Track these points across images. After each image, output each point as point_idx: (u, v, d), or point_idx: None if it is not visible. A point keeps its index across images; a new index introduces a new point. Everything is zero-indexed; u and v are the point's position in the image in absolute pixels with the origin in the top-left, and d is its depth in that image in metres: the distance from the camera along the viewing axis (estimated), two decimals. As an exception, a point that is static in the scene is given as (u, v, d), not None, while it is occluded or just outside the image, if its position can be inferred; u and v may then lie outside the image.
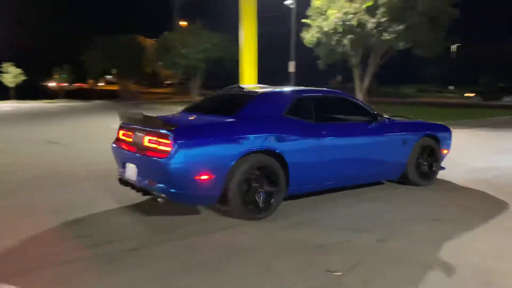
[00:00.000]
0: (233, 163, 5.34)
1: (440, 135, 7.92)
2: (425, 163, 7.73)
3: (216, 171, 5.23)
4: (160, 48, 42.44)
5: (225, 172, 5.30)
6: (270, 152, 5.66)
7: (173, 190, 5.12)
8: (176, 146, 5.03)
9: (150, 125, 5.46)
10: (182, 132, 5.17)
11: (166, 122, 5.25)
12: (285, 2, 30.46)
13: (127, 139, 5.97)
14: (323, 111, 6.52)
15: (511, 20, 73.44)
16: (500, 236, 5.28)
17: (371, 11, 25.00)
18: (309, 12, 27.78)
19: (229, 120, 5.66)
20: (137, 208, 6.21)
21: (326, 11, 26.51)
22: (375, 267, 4.25)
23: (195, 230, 5.27)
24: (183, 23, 51.79)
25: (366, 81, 28.83)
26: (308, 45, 27.60)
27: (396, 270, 4.19)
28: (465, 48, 65.83)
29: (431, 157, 7.81)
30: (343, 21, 25.27)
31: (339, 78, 47.83)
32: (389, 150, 7.20)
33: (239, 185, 5.44)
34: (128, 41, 56.37)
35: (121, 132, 6.20)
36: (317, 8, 27.14)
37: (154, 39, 49.21)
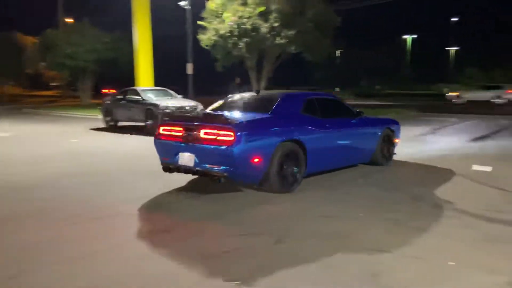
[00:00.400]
0: (273, 149, 7.04)
1: (395, 127, 10.27)
2: (385, 149, 9.95)
3: (263, 156, 6.91)
4: (42, 47, 39.69)
5: (269, 156, 6.99)
6: (295, 141, 7.43)
7: (233, 170, 6.64)
8: (238, 136, 6.59)
9: (210, 121, 7.14)
10: (242, 126, 6.75)
11: (228, 118, 7.02)
12: (180, 3, 30.61)
13: (176, 133, 7.31)
14: (323, 109, 8.39)
15: (384, 28, 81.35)
16: (386, 228, 5.49)
17: (264, 16, 26.32)
18: (204, 14, 28.30)
19: (269, 116, 7.45)
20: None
21: (221, 14, 27.23)
22: (274, 270, 4.25)
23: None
24: (68, 20, 49.17)
25: (263, 83, 30.04)
26: (205, 47, 28.11)
27: (293, 270, 4.26)
28: (348, 52, 71.55)
29: (389, 144, 10.06)
30: (238, 25, 26.21)
31: (237, 80, 49.25)
32: (366, 139, 9.49)
33: (277, 167, 7.10)
34: (3, 39, 51.98)
35: (164, 128, 7.52)
36: (213, 10, 27.75)
37: (36, 36, 45.95)
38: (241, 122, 6.94)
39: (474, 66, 58.14)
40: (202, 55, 29.81)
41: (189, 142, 7.11)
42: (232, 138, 6.64)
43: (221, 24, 26.72)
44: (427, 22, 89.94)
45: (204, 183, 8.10)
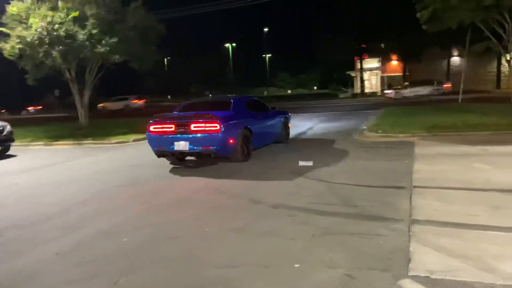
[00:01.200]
0: (239, 134, 10.86)
1: (288, 115, 15.10)
2: (285, 131, 14.42)
3: (234, 138, 10.64)
4: None
5: (237, 139, 10.76)
6: (247, 128, 11.33)
7: (219, 148, 10.19)
8: (222, 126, 10.15)
9: (196, 117, 10.30)
10: (223, 119, 10.22)
11: (211, 115, 10.23)
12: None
13: (168, 129, 10.45)
14: (255, 107, 12.62)
15: (207, 37, 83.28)
16: (231, 242, 5.56)
17: (79, 21, 24.37)
18: (5, 19, 25.06)
19: (232, 113, 11.09)
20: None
21: (26, 19, 24.43)
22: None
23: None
24: None
25: (87, 95, 28.00)
26: (10, 58, 24.88)
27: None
28: (175, 60, 72.31)
29: (286, 128, 14.63)
30: (48, 31, 23.77)
31: (56, 92, 44.43)
32: (278, 124, 13.95)
33: (240, 145, 10.93)
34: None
35: (155, 126, 10.67)
36: (15, 15, 24.72)
37: None
38: (222, 117, 10.28)
39: (286, 71, 66.93)
40: (9, 66, 26.30)
41: (183, 134, 10.25)
42: (218, 128, 10.07)
43: (27, 30, 23.88)
44: (245, 31, 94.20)
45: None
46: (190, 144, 10.31)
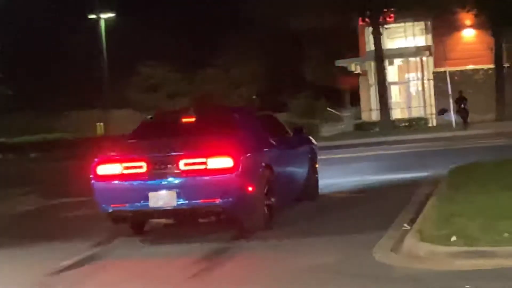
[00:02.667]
0: (261, 176, 7.92)
1: (315, 146, 10.71)
2: (313, 176, 10.23)
3: (256, 183, 7.66)
4: None
5: (259, 185, 7.77)
6: (269, 167, 8.20)
7: (232, 203, 6.99)
8: (239, 161, 7.07)
9: (187, 147, 7.26)
10: (239, 147, 7.26)
11: (218, 142, 7.24)
12: None
13: (134, 169, 7.13)
14: (270, 127, 9.13)
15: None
16: None
17: None
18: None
19: (245, 136, 8.10)
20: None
21: None
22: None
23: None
24: None
25: None
26: None
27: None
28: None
29: (314, 170, 10.42)
30: None
31: None
32: (303, 163, 9.89)
33: (263, 198, 8.04)
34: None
35: (108, 165, 7.32)
36: None
37: None
38: (235, 143, 7.31)
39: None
40: None
41: (164, 177, 7.15)
42: (231, 163, 6.90)
43: None
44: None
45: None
46: (179, 195, 7.00)
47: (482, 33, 30.81)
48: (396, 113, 30.94)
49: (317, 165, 9.99)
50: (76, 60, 38.46)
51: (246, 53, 37.38)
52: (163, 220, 7.84)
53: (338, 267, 5.40)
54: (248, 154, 7.26)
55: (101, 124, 37.63)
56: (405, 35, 31.16)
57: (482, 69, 30.35)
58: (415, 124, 29.20)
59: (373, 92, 30.87)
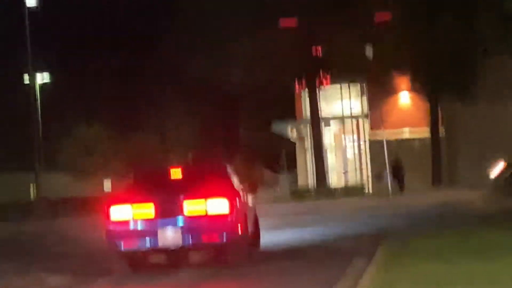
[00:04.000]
0: (247, 216, 9.92)
1: None
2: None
3: (243, 223, 9.66)
4: None
5: (246, 225, 9.73)
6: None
7: (229, 240, 8.65)
8: (233, 202, 8.84)
9: (190, 190, 8.93)
10: (231, 191, 9.12)
11: (213, 186, 8.95)
12: None
13: (144, 210, 8.76)
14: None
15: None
16: None
17: None
18: None
19: (232, 182, 9.77)
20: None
21: None
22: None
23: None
24: None
25: None
26: None
27: None
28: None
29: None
30: None
31: None
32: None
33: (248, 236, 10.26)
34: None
35: (120, 207, 8.89)
36: None
37: None
38: (227, 187, 9.11)
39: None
40: None
41: (170, 217, 8.64)
42: (227, 204, 8.59)
43: None
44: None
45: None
46: (184, 234, 8.60)
47: (418, 97, 32.38)
48: (333, 178, 31.77)
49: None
50: (8, 121, 38.94)
51: (181, 115, 38.22)
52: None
53: None
54: (238, 198, 8.95)
55: (33, 185, 37.92)
56: (341, 98, 32.17)
57: (419, 138, 31.60)
58: (351, 189, 29.72)
59: (310, 157, 31.70)
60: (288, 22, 28.20)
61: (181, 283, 7.83)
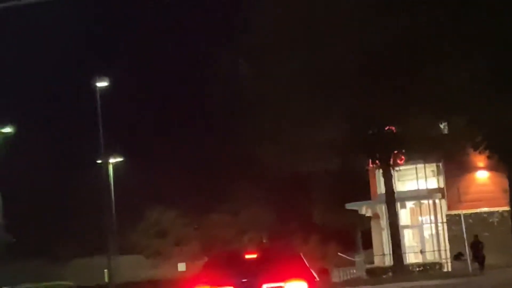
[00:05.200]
0: None
1: None
2: None
3: None
4: None
5: None
6: None
7: None
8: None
9: (269, 272, 9.13)
10: (310, 276, 9.38)
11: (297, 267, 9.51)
12: None
13: None
14: None
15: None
16: None
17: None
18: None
19: (309, 270, 9.89)
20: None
21: None
22: None
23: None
24: None
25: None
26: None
27: None
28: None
29: None
30: None
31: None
32: None
33: None
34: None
35: None
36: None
37: None
38: (307, 273, 9.33)
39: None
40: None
41: None
42: (306, 287, 8.89)
43: None
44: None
45: None
46: None
47: (495, 175, 32.48)
48: (410, 257, 31.73)
49: None
50: (81, 207, 41.05)
51: (253, 197, 39.70)
52: None
53: None
54: (315, 281, 9.17)
55: (106, 271, 38.46)
56: (416, 177, 32.99)
57: (497, 211, 31.35)
58: (429, 269, 29.74)
59: (385, 236, 31.87)
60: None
61: None
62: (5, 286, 33.08)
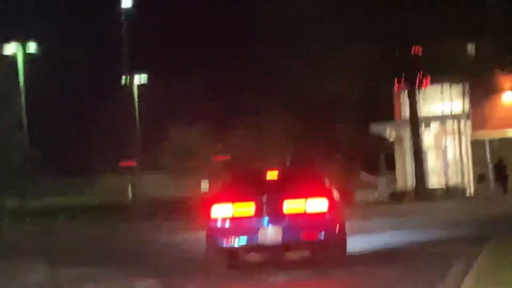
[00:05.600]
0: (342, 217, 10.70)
1: None
2: None
3: (342, 223, 10.56)
4: None
5: (343, 224, 10.49)
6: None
7: (326, 238, 9.22)
8: (332, 202, 9.56)
9: (288, 190, 9.55)
10: (330, 192, 9.88)
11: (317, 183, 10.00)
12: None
13: (245, 208, 9.44)
14: None
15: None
16: None
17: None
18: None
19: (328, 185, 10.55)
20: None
21: None
22: None
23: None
24: None
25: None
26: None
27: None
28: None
29: None
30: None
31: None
32: None
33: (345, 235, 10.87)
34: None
35: (222, 206, 9.53)
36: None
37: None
38: (327, 188, 9.90)
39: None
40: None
41: (271, 216, 9.24)
42: (326, 203, 9.25)
43: None
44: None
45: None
46: (284, 231, 9.11)
47: None
48: (433, 180, 32.31)
49: None
50: (108, 124, 41.48)
51: (278, 116, 40.01)
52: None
53: None
54: (335, 199, 9.62)
55: (130, 188, 40.09)
56: (441, 99, 32.98)
57: None
58: (452, 192, 30.32)
59: (409, 158, 32.47)
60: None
61: (276, 284, 8.55)
62: (30, 198, 35.12)
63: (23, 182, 33.92)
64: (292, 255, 9.90)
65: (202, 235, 11.04)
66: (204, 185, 41.37)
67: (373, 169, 41.38)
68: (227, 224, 9.33)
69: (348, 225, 11.20)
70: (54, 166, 39.47)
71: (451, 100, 33.29)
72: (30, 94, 34.03)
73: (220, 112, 41.69)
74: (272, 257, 9.81)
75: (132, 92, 37.26)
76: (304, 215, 9.20)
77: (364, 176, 37.59)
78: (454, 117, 33.09)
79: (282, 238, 9.01)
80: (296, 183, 9.71)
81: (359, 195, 32.46)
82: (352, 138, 40.24)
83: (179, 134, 41.78)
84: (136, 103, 37.12)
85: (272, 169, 10.93)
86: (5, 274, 10.33)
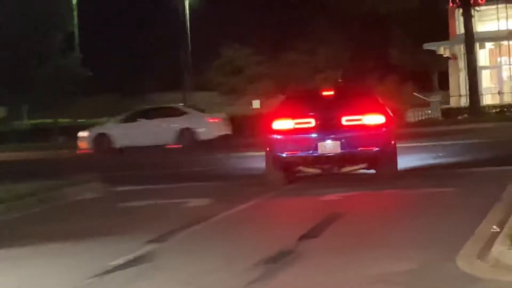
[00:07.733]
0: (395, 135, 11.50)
1: None
2: None
3: (394, 139, 11.16)
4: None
5: (395, 141, 11.23)
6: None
7: (381, 151, 10.09)
8: (389, 119, 10.55)
9: (347, 107, 10.42)
10: (386, 110, 10.77)
11: (369, 103, 10.83)
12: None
13: (305, 124, 10.29)
14: None
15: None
16: None
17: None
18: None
19: (384, 104, 11.43)
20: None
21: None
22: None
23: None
24: None
25: None
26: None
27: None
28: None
29: None
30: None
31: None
32: None
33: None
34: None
35: (283, 121, 10.37)
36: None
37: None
38: (384, 105, 10.74)
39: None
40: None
41: (329, 130, 10.12)
42: (384, 120, 10.16)
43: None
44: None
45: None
46: (342, 142, 9.89)
47: None
48: (487, 99, 33.07)
49: None
50: (159, 43, 43.19)
51: (331, 37, 40.76)
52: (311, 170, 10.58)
53: (414, 276, 4.86)
54: (389, 115, 10.40)
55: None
56: (497, 18, 33.43)
57: None
58: (506, 111, 30.50)
59: (463, 77, 33.26)
60: None
61: (331, 197, 8.94)
62: (83, 119, 36.18)
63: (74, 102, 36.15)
64: (348, 169, 10.43)
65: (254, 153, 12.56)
66: (256, 104, 42.97)
67: (426, 87, 41.81)
68: (288, 138, 10.17)
69: (398, 144, 11.66)
70: (104, 84, 41.10)
71: (507, 19, 33.69)
72: (82, 13, 35.55)
73: (271, 33, 42.33)
74: (329, 170, 10.36)
75: (184, 11, 38.72)
76: (362, 129, 10.04)
77: (417, 95, 37.69)
78: (509, 36, 33.37)
79: (341, 148, 9.88)
80: (353, 102, 10.52)
81: (412, 114, 32.70)
82: (405, 57, 40.89)
83: (230, 54, 43.18)
84: (188, 22, 38.59)
85: (328, 89, 11.69)
86: (62, 191, 10.67)
